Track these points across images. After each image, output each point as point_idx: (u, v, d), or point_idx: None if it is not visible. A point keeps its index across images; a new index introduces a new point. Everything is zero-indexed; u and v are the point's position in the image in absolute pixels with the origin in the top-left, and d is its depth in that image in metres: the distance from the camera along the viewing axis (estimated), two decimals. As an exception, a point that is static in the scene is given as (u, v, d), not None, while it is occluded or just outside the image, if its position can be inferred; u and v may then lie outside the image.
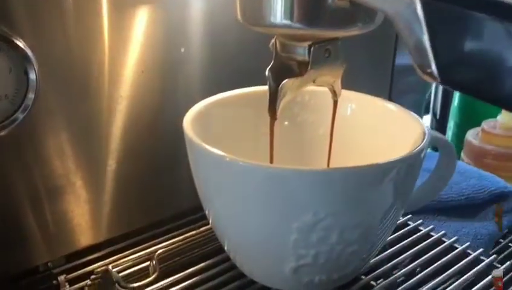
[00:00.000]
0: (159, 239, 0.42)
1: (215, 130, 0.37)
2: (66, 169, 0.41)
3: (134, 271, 0.38)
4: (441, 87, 0.83)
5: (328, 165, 0.38)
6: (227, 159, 0.29)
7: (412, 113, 0.36)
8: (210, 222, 0.35)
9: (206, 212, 0.35)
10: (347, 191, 0.28)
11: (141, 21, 0.42)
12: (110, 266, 0.37)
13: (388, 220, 0.32)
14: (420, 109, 0.82)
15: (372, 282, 0.37)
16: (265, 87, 0.33)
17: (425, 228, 0.44)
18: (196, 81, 0.45)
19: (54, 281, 0.40)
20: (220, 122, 0.38)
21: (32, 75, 0.35)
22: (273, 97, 0.32)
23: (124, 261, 0.39)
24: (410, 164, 0.30)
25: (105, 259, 0.41)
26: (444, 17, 0.23)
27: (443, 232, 0.43)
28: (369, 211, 0.30)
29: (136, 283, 0.36)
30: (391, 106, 0.38)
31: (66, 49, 0.38)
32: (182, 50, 0.44)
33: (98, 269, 0.37)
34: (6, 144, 0.37)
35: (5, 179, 0.38)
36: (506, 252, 0.47)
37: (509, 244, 0.49)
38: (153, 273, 0.37)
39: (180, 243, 0.40)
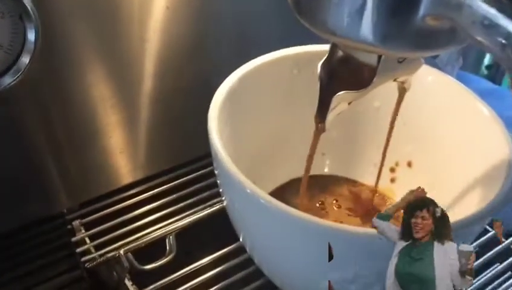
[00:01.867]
0: (176, 217, 0.38)
1: (249, 104, 0.31)
2: (87, 115, 0.37)
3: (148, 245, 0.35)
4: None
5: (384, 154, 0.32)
6: (262, 201, 0.23)
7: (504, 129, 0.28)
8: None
9: (241, 236, 0.30)
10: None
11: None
12: (121, 251, 0.33)
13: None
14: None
15: None
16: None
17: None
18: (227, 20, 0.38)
19: (69, 226, 0.39)
20: (254, 94, 0.31)
21: (31, 34, 0.28)
22: (323, 105, 0.25)
23: (138, 228, 0.36)
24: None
25: (122, 202, 0.40)
26: None
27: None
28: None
29: (151, 262, 0.33)
30: (483, 109, 0.30)
31: None
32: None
33: (109, 254, 0.33)
34: (24, 89, 0.32)
35: (20, 126, 0.35)
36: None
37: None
38: (170, 253, 0.34)
39: (203, 216, 0.36)
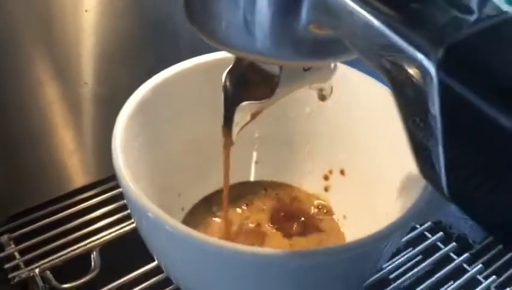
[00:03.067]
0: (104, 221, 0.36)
1: (162, 115, 0.29)
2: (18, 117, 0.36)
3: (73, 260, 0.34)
4: None
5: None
6: (167, 227, 0.21)
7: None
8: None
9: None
10: (310, 276, 0.22)
11: None
12: (36, 271, 0.32)
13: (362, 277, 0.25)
14: None
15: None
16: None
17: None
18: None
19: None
20: (167, 104, 0.30)
21: None
22: (228, 116, 0.23)
23: (63, 247, 0.35)
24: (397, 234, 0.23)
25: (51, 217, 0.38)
26: (465, 118, 0.14)
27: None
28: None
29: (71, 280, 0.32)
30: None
31: None
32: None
33: (22, 273, 0.32)
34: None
35: None
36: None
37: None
38: (94, 270, 0.32)
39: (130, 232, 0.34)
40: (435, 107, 0.15)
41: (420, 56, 0.15)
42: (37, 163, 0.39)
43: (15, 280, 0.33)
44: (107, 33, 0.36)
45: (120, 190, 0.38)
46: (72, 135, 0.39)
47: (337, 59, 0.19)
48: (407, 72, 0.15)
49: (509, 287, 0.35)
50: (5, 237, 0.37)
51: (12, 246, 0.37)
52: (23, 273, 0.33)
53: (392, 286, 0.33)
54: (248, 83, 0.23)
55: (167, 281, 0.31)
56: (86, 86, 0.37)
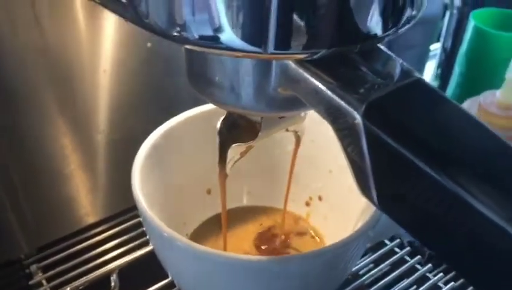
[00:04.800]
0: (122, 249, 0.43)
1: (176, 158, 0.36)
2: (42, 164, 0.42)
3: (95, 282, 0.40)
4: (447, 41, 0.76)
5: (287, 193, 0.37)
6: (179, 243, 0.28)
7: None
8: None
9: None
10: (290, 278, 0.28)
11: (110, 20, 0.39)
12: (68, 288, 0.38)
13: (337, 279, 0.32)
14: (423, 63, 0.76)
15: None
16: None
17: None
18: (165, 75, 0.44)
19: (27, 271, 0.43)
20: (179, 148, 0.37)
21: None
22: (223, 155, 0.30)
23: (86, 272, 0.41)
24: (363, 236, 0.29)
25: (76, 245, 0.44)
26: (384, 150, 0.21)
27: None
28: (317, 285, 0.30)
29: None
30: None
31: (42, 49, 0.38)
32: (149, 45, 0.41)
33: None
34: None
35: None
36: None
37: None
38: (114, 289, 0.38)
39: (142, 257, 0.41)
40: (363, 144, 0.21)
41: (351, 110, 0.21)
42: (59, 200, 0.44)
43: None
44: (121, 89, 0.43)
45: (131, 222, 0.45)
46: (89, 176, 0.45)
47: (300, 111, 0.26)
48: (343, 120, 0.22)
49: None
50: (34, 267, 0.43)
51: (40, 274, 0.43)
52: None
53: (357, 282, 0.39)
54: (237, 129, 0.30)
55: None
56: (102, 133, 0.44)
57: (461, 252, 0.21)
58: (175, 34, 0.21)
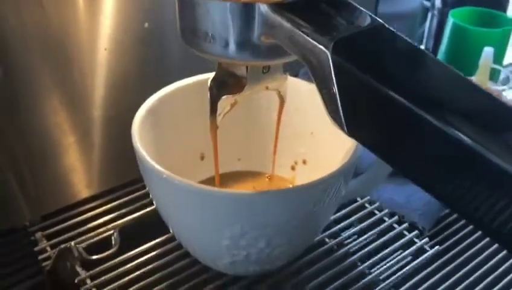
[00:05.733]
0: (123, 210, 0.46)
1: (172, 123, 0.40)
2: (45, 138, 0.45)
3: (98, 241, 0.43)
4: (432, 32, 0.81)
5: (274, 156, 0.41)
6: (165, 176, 0.31)
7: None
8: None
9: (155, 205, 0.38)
10: (269, 212, 0.31)
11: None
12: (72, 242, 0.41)
13: (317, 224, 0.35)
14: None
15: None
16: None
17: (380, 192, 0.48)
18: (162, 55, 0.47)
19: (32, 238, 0.45)
20: (175, 113, 0.40)
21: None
22: (214, 108, 0.34)
23: (91, 230, 0.44)
24: (338, 181, 0.33)
25: (79, 216, 0.47)
26: (350, 79, 0.25)
27: (377, 204, 0.48)
28: (296, 225, 0.33)
29: (98, 253, 0.41)
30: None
31: (43, 29, 0.41)
32: (146, 25, 0.45)
33: (62, 246, 0.41)
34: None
35: None
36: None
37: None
38: (115, 245, 0.41)
39: (141, 216, 0.44)
40: (332, 76, 0.25)
41: (321, 48, 0.25)
42: (60, 172, 0.47)
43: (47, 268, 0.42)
44: (118, 67, 0.46)
45: (128, 197, 0.48)
46: (87, 150, 0.48)
47: (284, 59, 0.30)
48: (317, 58, 0.26)
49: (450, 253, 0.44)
50: (38, 234, 0.46)
51: (44, 241, 0.46)
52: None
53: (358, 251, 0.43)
54: (226, 84, 0.33)
55: (175, 248, 0.41)
56: (98, 110, 0.47)
57: (417, 164, 0.24)
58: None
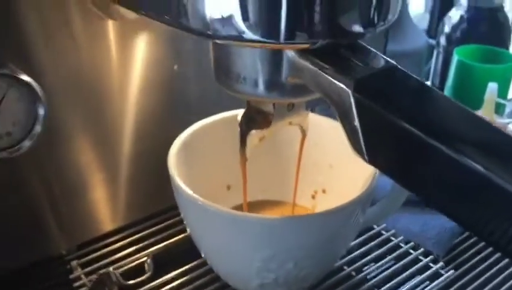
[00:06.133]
0: (155, 238, 0.49)
1: (202, 155, 0.43)
2: (79, 173, 0.48)
3: (133, 268, 0.46)
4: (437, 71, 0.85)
5: (295, 186, 0.44)
6: (200, 203, 0.35)
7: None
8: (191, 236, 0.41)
9: (188, 230, 0.41)
10: (298, 236, 0.34)
11: (140, 44, 0.47)
12: (111, 268, 0.44)
13: (340, 247, 0.38)
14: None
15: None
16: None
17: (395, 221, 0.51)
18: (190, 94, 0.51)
19: (67, 266, 0.48)
20: (206, 146, 0.44)
21: (41, 110, 0.41)
22: (243, 142, 0.37)
23: (124, 257, 0.47)
24: (359, 206, 0.36)
25: (112, 245, 0.50)
26: (369, 114, 0.28)
27: (393, 231, 0.50)
28: (322, 247, 0.36)
29: (133, 279, 0.44)
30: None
31: (76, 73, 0.44)
32: (175, 67, 0.49)
33: (101, 271, 0.44)
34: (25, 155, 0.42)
35: (25, 183, 0.45)
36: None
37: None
38: (148, 271, 0.44)
39: (173, 243, 0.47)
40: (354, 112, 0.28)
41: (344, 87, 0.28)
42: (92, 205, 0.50)
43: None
44: (148, 105, 0.49)
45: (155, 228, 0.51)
46: (116, 185, 0.51)
47: (307, 97, 0.33)
48: (339, 96, 0.29)
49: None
50: (74, 263, 0.49)
51: (79, 269, 0.49)
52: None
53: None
54: (254, 120, 0.37)
55: (206, 273, 0.43)
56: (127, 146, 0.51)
57: (432, 188, 0.27)
58: (209, 33, 0.29)
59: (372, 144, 0.29)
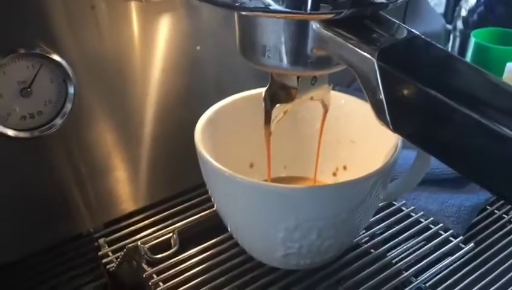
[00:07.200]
0: (178, 217, 0.50)
1: (226, 133, 0.44)
2: (105, 153, 0.50)
3: (159, 243, 0.47)
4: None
5: (316, 162, 0.45)
6: (227, 174, 0.36)
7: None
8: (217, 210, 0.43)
9: (215, 204, 0.42)
10: (321, 205, 0.35)
11: (163, 25, 0.48)
12: (139, 242, 0.45)
13: (361, 219, 0.39)
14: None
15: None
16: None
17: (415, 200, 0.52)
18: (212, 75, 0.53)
19: (95, 243, 0.50)
20: (229, 124, 0.45)
21: (71, 89, 0.42)
22: (268, 117, 0.38)
23: (150, 234, 0.48)
24: (381, 177, 0.37)
25: (137, 224, 0.51)
26: (393, 82, 0.29)
27: (412, 207, 0.51)
28: (344, 218, 0.37)
29: (159, 254, 0.45)
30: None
31: (101, 54, 0.45)
32: (198, 48, 0.50)
33: (129, 245, 0.45)
34: (54, 136, 0.44)
35: (54, 163, 0.47)
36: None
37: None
38: (174, 246, 0.46)
39: (197, 220, 0.48)
40: (379, 81, 0.29)
41: (368, 56, 0.29)
42: (117, 185, 0.52)
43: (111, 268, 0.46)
44: (170, 86, 0.51)
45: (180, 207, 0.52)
46: (144, 163, 0.53)
47: (330, 70, 0.34)
48: (364, 66, 0.30)
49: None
50: (101, 240, 0.51)
51: (107, 247, 0.50)
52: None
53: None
54: (278, 94, 0.38)
55: (231, 247, 0.45)
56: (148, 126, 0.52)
57: (454, 151, 0.28)
58: (237, 5, 0.30)
59: (397, 112, 0.29)
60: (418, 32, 0.31)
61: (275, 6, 0.29)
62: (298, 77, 0.36)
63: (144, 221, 0.52)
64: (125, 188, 0.53)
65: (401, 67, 0.29)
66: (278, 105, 0.37)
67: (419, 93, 0.28)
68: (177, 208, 0.52)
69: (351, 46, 0.30)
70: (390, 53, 0.29)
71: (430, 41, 0.31)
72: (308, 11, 0.29)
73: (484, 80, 0.29)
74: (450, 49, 0.87)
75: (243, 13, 0.32)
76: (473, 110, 0.26)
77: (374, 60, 0.29)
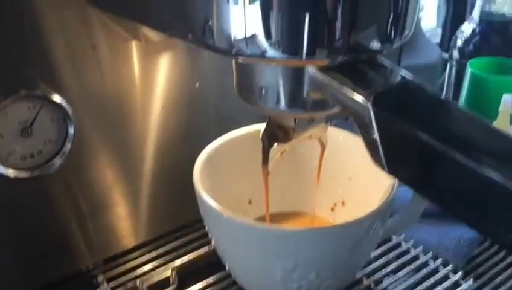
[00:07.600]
0: (178, 252, 0.50)
1: (224, 170, 0.45)
2: (105, 189, 0.50)
3: (156, 282, 0.47)
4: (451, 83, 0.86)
5: (314, 198, 0.45)
6: (224, 215, 0.36)
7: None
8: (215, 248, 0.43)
9: (212, 242, 0.42)
10: (319, 246, 0.35)
11: (163, 64, 0.48)
12: (138, 280, 0.45)
13: (360, 258, 0.39)
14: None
15: None
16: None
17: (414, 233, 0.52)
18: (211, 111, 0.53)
19: (94, 281, 0.50)
20: (228, 161, 0.45)
21: (71, 129, 0.43)
22: (266, 157, 0.38)
23: (149, 271, 0.48)
24: (379, 217, 0.37)
25: (136, 259, 0.52)
26: (388, 126, 0.29)
27: (412, 241, 0.51)
28: (343, 258, 0.37)
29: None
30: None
31: (102, 93, 0.46)
32: (197, 85, 0.51)
33: (128, 282, 0.45)
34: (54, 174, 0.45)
35: (54, 201, 0.47)
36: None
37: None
38: (173, 284, 0.46)
39: (195, 258, 0.48)
40: (373, 125, 0.30)
41: (364, 100, 0.30)
42: (116, 221, 0.52)
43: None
44: (170, 123, 0.51)
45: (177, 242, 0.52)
46: (143, 199, 0.53)
47: (327, 112, 0.35)
48: (359, 109, 0.30)
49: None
50: (101, 277, 0.51)
51: (105, 284, 0.50)
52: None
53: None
54: (275, 135, 0.38)
55: (229, 286, 0.44)
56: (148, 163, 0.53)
57: (449, 196, 0.28)
58: (233, 51, 0.30)
59: (392, 155, 0.30)
60: (411, 76, 0.32)
61: (271, 52, 0.30)
62: (295, 118, 0.36)
63: (143, 256, 0.52)
64: (125, 223, 0.53)
65: (396, 111, 0.29)
66: (275, 145, 0.38)
67: (414, 138, 0.28)
68: (177, 241, 0.53)
69: (347, 90, 0.30)
70: (385, 97, 0.30)
71: (424, 86, 0.31)
72: (304, 58, 0.29)
73: (477, 124, 0.29)
74: (447, 79, 0.88)
75: (240, 61, 0.32)
76: (465, 156, 0.26)
77: (369, 104, 0.29)
